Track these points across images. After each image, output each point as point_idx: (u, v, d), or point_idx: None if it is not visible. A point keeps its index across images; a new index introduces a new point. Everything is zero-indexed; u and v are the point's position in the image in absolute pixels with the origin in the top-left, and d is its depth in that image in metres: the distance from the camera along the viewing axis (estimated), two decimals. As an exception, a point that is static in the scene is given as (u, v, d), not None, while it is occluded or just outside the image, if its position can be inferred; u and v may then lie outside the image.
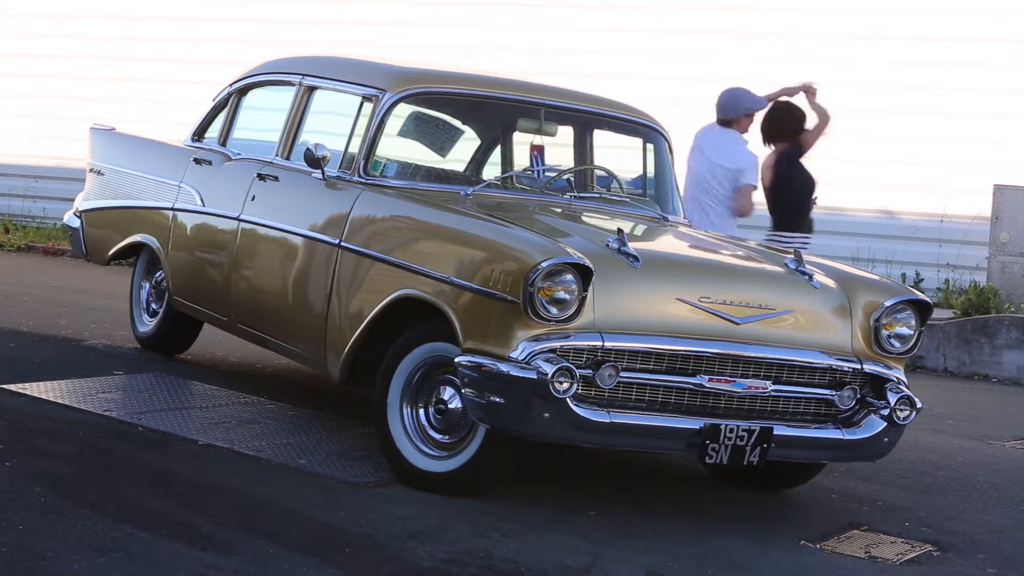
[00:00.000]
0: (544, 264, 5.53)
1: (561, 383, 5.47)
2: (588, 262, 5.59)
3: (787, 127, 9.23)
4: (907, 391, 6.11)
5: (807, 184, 9.25)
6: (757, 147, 9.18)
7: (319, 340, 6.61)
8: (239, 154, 7.86)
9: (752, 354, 5.85)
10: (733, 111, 8.95)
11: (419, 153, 7.35)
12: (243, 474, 6.03)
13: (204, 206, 7.81)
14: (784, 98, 9.38)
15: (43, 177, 16.62)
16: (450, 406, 5.97)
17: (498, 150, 7.79)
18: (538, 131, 7.26)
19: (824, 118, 9.29)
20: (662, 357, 5.73)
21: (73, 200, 9.36)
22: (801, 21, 13.93)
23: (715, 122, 9.02)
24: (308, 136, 7.31)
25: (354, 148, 6.88)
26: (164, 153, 8.57)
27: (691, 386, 5.78)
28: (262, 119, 8.09)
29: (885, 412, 6.05)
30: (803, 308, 6.09)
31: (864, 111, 12.87)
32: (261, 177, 7.39)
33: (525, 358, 5.53)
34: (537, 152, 7.13)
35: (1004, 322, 11.43)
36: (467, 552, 5.23)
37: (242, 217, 7.39)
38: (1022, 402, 10.59)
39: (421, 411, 6.07)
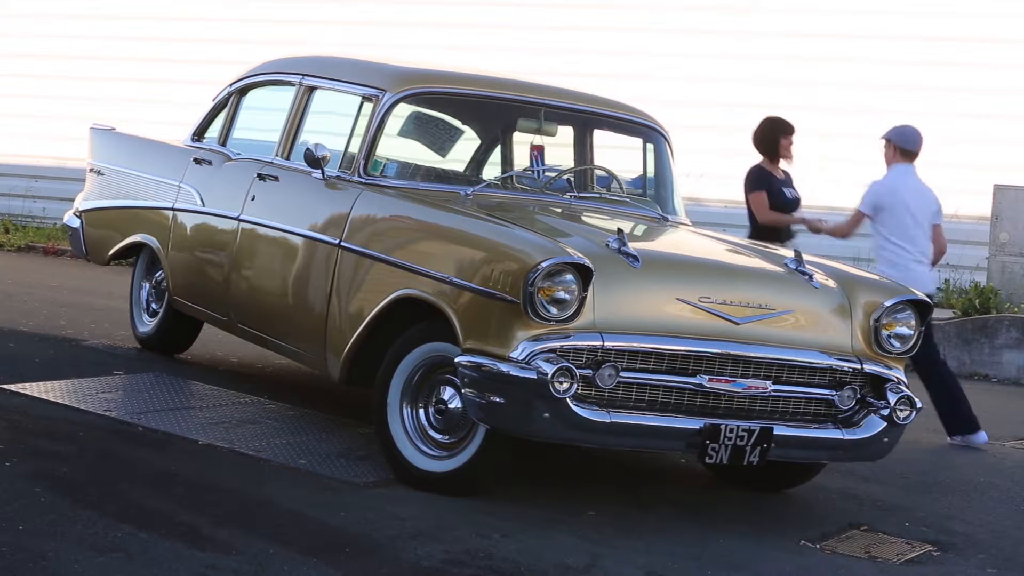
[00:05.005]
0: (544, 264, 5.52)
1: (561, 383, 5.47)
2: (588, 262, 5.59)
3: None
4: (907, 391, 6.11)
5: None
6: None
7: (319, 340, 6.61)
8: (239, 154, 7.86)
9: (752, 354, 5.85)
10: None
11: (419, 153, 7.35)
12: (243, 474, 6.03)
13: (204, 206, 7.81)
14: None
15: (43, 177, 16.62)
16: (450, 406, 5.97)
17: (498, 150, 7.79)
18: (538, 131, 7.25)
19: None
20: (662, 357, 5.73)
21: (73, 200, 9.36)
22: (801, 21, 13.94)
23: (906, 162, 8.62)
24: (308, 136, 7.31)
25: (354, 148, 6.88)
26: (164, 153, 8.57)
27: (691, 386, 5.77)
28: (262, 119, 8.09)
29: (885, 412, 6.05)
30: (803, 308, 6.09)
31: (864, 111, 12.87)
32: (261, 177, 7.39)
33: (525, 358, 5.52)
34: (537, 152, 7.13)
35: (1004, 322, 11.43)
36: (467, 552, 5.23)
37: (242, 217, 7.39)
38: (1022, 402, 10.59)
39: (421, 411, 6.07)
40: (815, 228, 8.96)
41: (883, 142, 8.65)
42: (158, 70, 16.23)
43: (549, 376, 5.45)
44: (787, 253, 6.48)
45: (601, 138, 7.77)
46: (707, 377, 5.78)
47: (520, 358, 5.53)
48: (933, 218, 8.59)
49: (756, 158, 9.06)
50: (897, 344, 6.17)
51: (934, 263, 8.69)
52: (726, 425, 5.75)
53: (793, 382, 5.97)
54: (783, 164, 9.15)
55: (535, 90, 7.34)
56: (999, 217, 12.51)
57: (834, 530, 6.10)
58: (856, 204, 8.66)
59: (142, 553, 4.85)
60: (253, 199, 7.36)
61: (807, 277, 6.19)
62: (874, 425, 6.08)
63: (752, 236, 8.70)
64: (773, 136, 9.08)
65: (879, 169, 8.73)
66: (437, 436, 6.02)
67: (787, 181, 9.11)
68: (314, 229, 6.79)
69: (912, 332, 6.20)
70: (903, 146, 8.57)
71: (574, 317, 5.60)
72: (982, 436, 8.32)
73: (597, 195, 7.41)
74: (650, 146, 7.57)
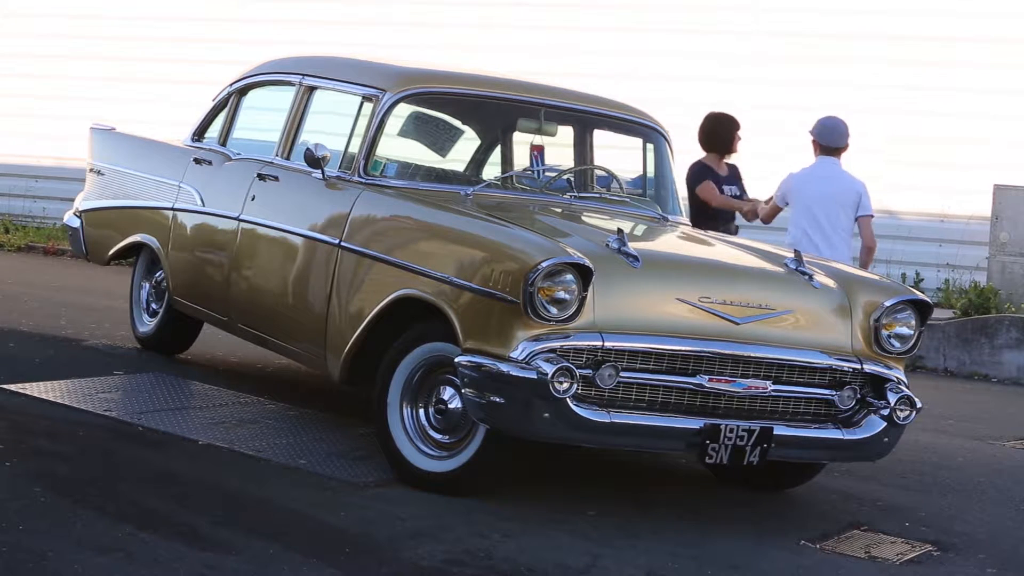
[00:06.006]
0: (544, 264, 5.52)
1: (561, 383, 5.46)
2: (588, 262, 5.59)
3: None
4: (907, 391, 6.10)
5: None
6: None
7: (319, 340, 6.61)
8: (239, 154, 7.86)
9: (752, 354, 5.85)
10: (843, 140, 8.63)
11: (419, 153, 7.35)
12: (243, 474, 6.04)
13: (204, 206, 7.81)
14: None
15: (43, 177, 16.62)
16: (450, 406, 5.97)
17: (498, 150, 7.79)
18: (538, 131, 7.26)
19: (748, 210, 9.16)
20: (662, 357, 5.73)
21: (73, 200, 9.36)
22: (801, 21, 13.94)
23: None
24: (308, 136, 7.31)
25: (354, 148, 6.88)
26: (164, 153, 8.57)
27: (691, 386, 5.77)
28: (262, 119, 8.09)
29: (885, 412, 6.05)
30: (803, 308, 6.09)
31: (864, 111, 12.86)
32: (261, 177, 7.39)
33: (525, 358, 5.52)
34: (537, 152, 7.13)
35: (1004, 322, 11.42)
36: (467, 552, 5.23)
37: (242, 217, 7.39)
38: (1022, 402, 10.58)
39: (421, 411, 6.07)
40: (752, 213, 9.01)
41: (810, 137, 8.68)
42: (158, 70, 16.22)
43: (549, 376, 5.45)
44: (787, 253, 6.48)
45: (601, 138, 7.78)
46: (707, 377, 5.78)
47: (520, 358, 5.53)
48: (853, 209, 8.51)
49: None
50: (897, 344, 6.17)
51: (865, 260, 8.63)
52: (726, 425, 5.75)
53: (793, 382, 5.97)
54: (728, 158, 9.17)
55: (535, 90, 7.34)
56: (999, 217, 12.50)
57: (834, 530, 6.10)
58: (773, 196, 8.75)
59: (142, 553, 4.86)
60: (253, 199, 7.36)
61: (807, 277, 6.19)
62: (874, 425, 6.08)
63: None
64: (728, 132, 9.09)
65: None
66: (437, 436, 6.03)
67: (729, 177, 9.10)
68: (314, 229, 6.79)
69: (912, 332, 6.20)
70: (821, 141, 8.59)
71: (574, 317, 5.60)
72: None
73: (597, 195, 7.41)
74: (650, 146, 7.57)
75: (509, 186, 7.12)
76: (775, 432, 5.85)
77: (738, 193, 9.09)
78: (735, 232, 8.97)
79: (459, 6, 15.25)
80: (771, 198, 8.81)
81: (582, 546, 5.45)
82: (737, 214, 9.17)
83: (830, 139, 8.57)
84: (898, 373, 6.16)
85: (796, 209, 8.53)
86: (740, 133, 9.18)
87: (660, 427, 5.72)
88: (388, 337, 6.17)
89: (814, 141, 8.62)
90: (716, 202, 8.94)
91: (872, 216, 8.58)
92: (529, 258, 5.59)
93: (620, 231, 5.90)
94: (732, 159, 9.26)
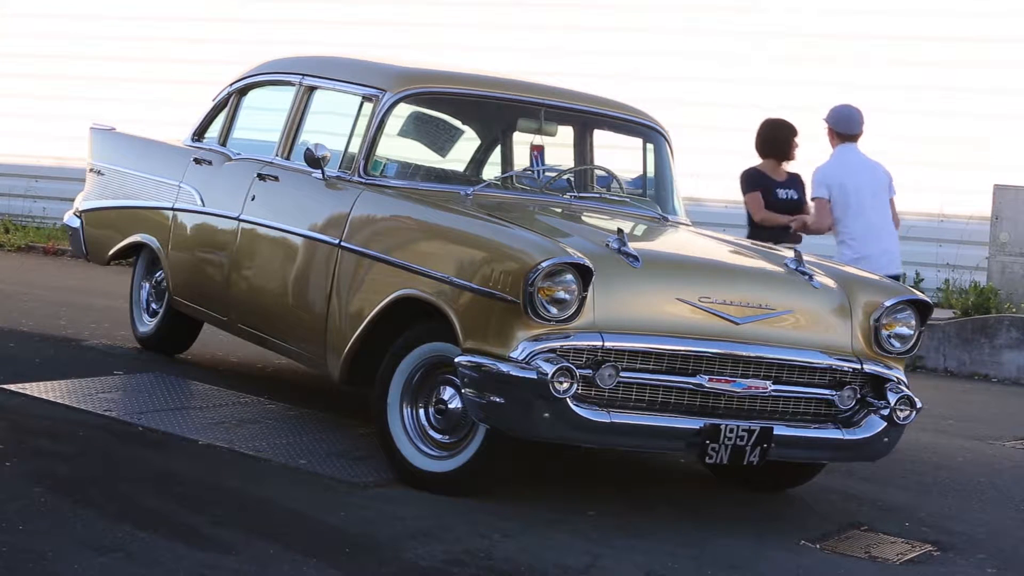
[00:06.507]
0: (544, 264, 5.53)
1: (561, 383, 5.47)
2: (588, 262, 5.60)
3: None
4: (907, 391, 6.10)
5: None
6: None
7: (319, 340, 6.61)
8: (239, 154, 7.86)
9: (752, 354, 5.85)
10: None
11: (419, 153, 7.35)
12: (243, 474, 6.04)
13: (204, 206, 7.81)
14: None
15: (43, 177, 16.62)
16: (450, 406, 5.97)
17: (498, 150, 7.79)
18: (538, 131, 7.26)
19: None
20: (662, 357, 5.73)
21: (73, 200, 9.36)
22: (801, 21, 13.94)
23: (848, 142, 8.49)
24: (308, 136, 7.31)
25: (354, 148, 6.88)
26: (164, 153, 8.57)
27: (691, 386, 5.77)
28: (262, 119, 8.09)
29: (885, 412, 6.05)
30: (803, 308, 6.09)
31: (864, 111, 12.87)
32: (261, 177, 7.39)
33: (525, 358, 5.52)
34: (537, 152, 7.13)
35: (1004, 322, 11.42)
36: (467, 552, 5.23)
37: (242, 217, 7.39)
38: (1022, 402, 10.58)
39: (421, 411, 6.08)
40: (802, 230, 8.82)
41: (825, 126, 8.56)
42: (158, 70, 16.22)
43: (549, 376, 5.45)
44: (787, 253, 6.48)
45: (601, 138, 7.78)
46: (707, 377, 5.78)
47: (520, 358, 5.53)
48: (887, 191, 8.48)
49: (755, 156, 8.88)
50: (897, 344, 6.17)
51: None
52: (726, 425, 5.75)
53: (793, 382, 5.97)
54: (786, 165, 8.96)
55: (535, 90, 7.34)
56: (999, 217, 12.50)
57: (834, 530, 6.10)
58: (811, 196, 8.53)
59: (142, 553, 4.86)
60: (253, 199, 7.36)
61: (807, 277, 6.19)
62: (874, 425, 6.08)
63: (751, 237, 8.57)
64: (786, 137, 8.85)
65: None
66: (437, 436, 6.03)
67: (787, 182, 8.90)
68: (314, 229, 6.79)
69: (912, 332, 6.20)
70: (838, 129, 8.46)
71: (574, 317, 5.60)
72: None
73: (597, 195, 7.41)
74: (650, 146, 7.57)
75: (509, 186, 7.12)
76: (775, 432, 5.85)
77: (796, 196, 8.76)
78: (798, 240, 8.69)
79: (459, 6, 15.25)
80: (811, 200, 8.55)
81: (582, 546, 5.45)
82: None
83: (847, 126, 8.48)
84: (898, 373, 6.17)
85: (854, 200, 8.27)
86: (798, 140, 8.95)
87: (660, 427, 5.72)
88: (388, 337, 6.17)
89: (830, 130, 8.49)
90: (758, 216, 8.62)
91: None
92: (529, 258, 5.59)
93: (620, 231, 5.90)
94: (791, 166, 8.97)
